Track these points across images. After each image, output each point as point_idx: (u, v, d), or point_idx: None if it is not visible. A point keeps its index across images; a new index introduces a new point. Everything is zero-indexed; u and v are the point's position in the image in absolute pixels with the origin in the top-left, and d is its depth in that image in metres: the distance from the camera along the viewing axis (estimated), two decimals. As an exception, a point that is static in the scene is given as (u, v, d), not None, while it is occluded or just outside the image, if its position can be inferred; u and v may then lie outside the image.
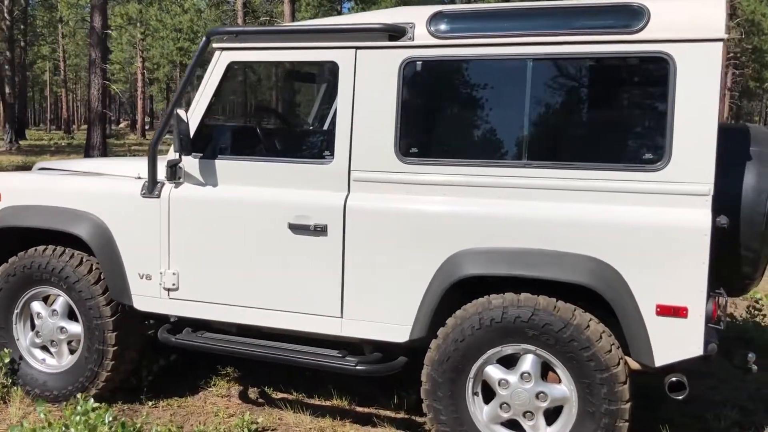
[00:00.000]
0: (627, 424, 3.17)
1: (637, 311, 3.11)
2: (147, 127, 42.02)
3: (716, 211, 3.41)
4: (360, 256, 3.50)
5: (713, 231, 3.06)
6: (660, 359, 3.12)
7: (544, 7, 3.33)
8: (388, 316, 3.47)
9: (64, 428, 3.38)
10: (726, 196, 3.42)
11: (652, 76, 3.16)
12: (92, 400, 3.61)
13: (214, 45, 3.74)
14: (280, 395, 4.37)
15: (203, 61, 3.79)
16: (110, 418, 3.44)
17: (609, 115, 3.29)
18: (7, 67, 32.57)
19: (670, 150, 3.08)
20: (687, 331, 3.08)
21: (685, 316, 3.07)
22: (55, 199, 4.03)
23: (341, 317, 3.55)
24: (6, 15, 33.00)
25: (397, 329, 3.46)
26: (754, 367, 3.76)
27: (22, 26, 38.15)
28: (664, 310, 3.09)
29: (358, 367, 3.52)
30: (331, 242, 3.52)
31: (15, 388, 4.15)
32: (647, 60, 3.15)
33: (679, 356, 3.11)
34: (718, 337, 3.42)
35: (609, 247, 3.14)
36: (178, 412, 4.12)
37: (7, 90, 31.95)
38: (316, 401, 4.28)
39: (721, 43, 3.04)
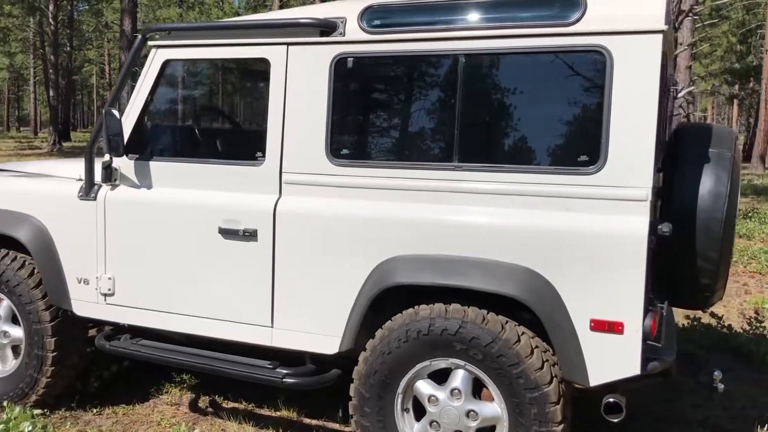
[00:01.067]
0: (560, 447, 2.93)
1: (569, 326, 2.88)
2: (188, 129, 42.57)
3: (670, 218, 3.18)
4: (290, 263, 3.33)
5: (651, 240, 2.81)
6: (595, 378, 2.88)
7: (479, 0, 3.11)
8: (319, 327, 3.30)
9: (-18, 436, 3.29)
10: (681, 202, 3.18)
11: (588, 71, 2.92)
12: (18, 408, 3.51)
13: (150, 43, 3.62)
14: (231, 405, 4.23)
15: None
16: (30, 428, 3.33)
17: (543, 114, 3.05)
18: (51, 71, 33.38)
19: (605, 152, 2.84)
20: (623, 349, 2.83)
21: (620, 332, 2.82)
22: (2, 201, 3.97)
23: (272, 327, 3.39)
24: (51, 20, 33.88)
25: (327, 340, 3.29)
26: (721, 386, 3.50)
27: (68, 31, 39.08)
28: (599, 326, 2.85)
29: (285, 380, 3.36)
30: (261, 248, 3.37)
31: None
32: (583, 54, 2.90)
33: (615, 375, 2.87)
34: (671, 354, 3.16)
35: (541, 256, 2.91)
36: (121, 420, 4.01)
37: (52, 93, 32.73)
38: (264, 412, 4.14)
39: (660, 36, 2.78)
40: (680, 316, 6.16)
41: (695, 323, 5.82)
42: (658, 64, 2.78)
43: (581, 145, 2.92)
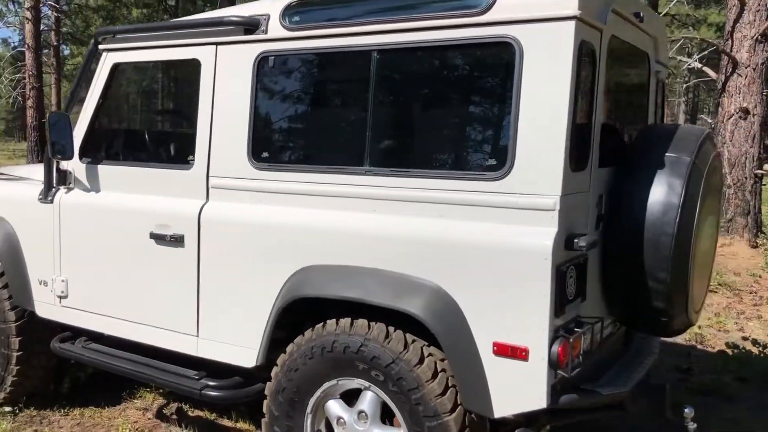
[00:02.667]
0: (462, 484, 2.63)
1: (472, 349, 2.58)
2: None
3: (618, 230, 2.82)
4: (213, 271, 3.21)
5: (558, 256, 2.46)
6: (500, 410, 2.56)
7: None
8: (239, 338, 3.16)
9: None
10: (629, 213, 2.81)
11: (497, 65, 2.62)
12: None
13: (100, 47, 3.63)
14: (196, 413, 4.17)
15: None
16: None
17: (452, 114, 2.77)
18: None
19: (512, 155, 2.52)
20: (528, 378, 2.50)
21: (524, 358, 2.50)
22: (-24, 203, 4.10)
23: (197, 336, 3.29)
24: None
25: (246, 353, 3.14)
26: (693, 425, 3.06)
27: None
28: (502, 350, 2.53)
29: (203, 392, 3.23)
30: (187, 254, 3.27)
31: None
32: (491, 46, 2.60)
33: (519, 408, 2.54)
34: (614, 387, 2.79)
35: (444, 270, 2.63)
36: (84, 423, 4.02)
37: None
38: (225, 422, 4.04)
39: (573, 22, 2.44)
40: (720, 341, 5.56)
41: (736, 350, 5.20)
42: (569, 55, 2.44)
43: (489, 149, 2.62)
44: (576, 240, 2.53)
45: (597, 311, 2.92)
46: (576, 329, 2.60)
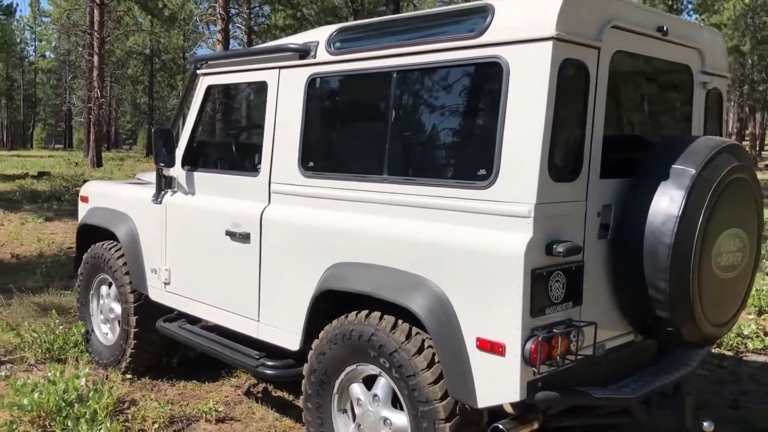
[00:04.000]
0: (448, 465, 2.87)
1: (459, 343, 2.82)
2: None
3: (624, 239, 2.94)
4: (270, 264, 3.69)
5: (533, 260, 2.64)
6: (482, 400, 2.78)
7: (411, 17, 3.18)
8: (287, 324, 3.61)
9: (52, 385, 4.13)
10: (632, 222, 2.92)
11: (489, 84, 2.84)
12: (85, 368, 4.33)
13: (198, 72, 4.25)
14: (278, 393, 4.68)
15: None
16: (84, 383, 4.10)
17: (454, 128, 3.02)
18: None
19: (498, 166, 2.75)
20: (505, 372, 2.70)
21: (501, 353, 2.70)
22: (113, 203, 4.91)
23: (258, 321, 3.78)
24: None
25: (292, 337, 3.58)
26: (711, 438, 3.07)
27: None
28: (483, 345, 2.76)
29: (257, 369, 3.71)
30: (252, 249, 3.78)
31: (86, 353, 5.13)
32: (485, 66, 2.84)
33: (498, 399, 2.75)
34: (613, 392, 2.91)
35: (440, 270, 2.90)
36: (185, 393, 4.68)
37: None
38: (298, 402, 4.50)
39: (550, 43, 2.62)
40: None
41: None
42: (546, 73, 2.63)
43: (481, 159, 2.84)
44: (554, 246, 2.69)
45: (605, 317, 3.02)
46: (556, 330, 2.75)
